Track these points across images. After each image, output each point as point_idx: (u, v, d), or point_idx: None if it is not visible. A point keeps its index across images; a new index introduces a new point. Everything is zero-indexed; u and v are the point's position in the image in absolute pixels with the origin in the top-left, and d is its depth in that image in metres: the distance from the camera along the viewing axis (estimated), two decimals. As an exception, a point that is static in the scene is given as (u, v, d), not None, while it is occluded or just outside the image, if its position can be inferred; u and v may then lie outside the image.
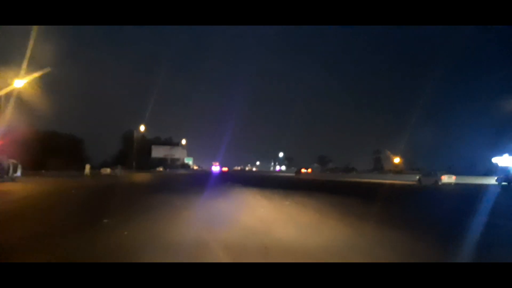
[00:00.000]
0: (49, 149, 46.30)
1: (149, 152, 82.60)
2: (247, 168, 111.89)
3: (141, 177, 30.03)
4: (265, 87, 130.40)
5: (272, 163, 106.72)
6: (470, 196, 15.70)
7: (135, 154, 48.16)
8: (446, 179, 27.93)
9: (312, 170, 70.45)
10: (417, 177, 31.43)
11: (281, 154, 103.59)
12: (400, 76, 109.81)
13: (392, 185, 24.84)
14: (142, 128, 51.44)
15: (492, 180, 29.41)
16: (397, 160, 63.82)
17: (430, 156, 67.74)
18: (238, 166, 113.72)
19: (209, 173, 46.80)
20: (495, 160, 40.64)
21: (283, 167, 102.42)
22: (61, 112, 57.29)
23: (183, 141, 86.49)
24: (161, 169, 63.66)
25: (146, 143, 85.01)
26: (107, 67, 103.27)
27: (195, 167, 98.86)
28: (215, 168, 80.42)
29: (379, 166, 65.88)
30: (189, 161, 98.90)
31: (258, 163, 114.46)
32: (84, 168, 35.41)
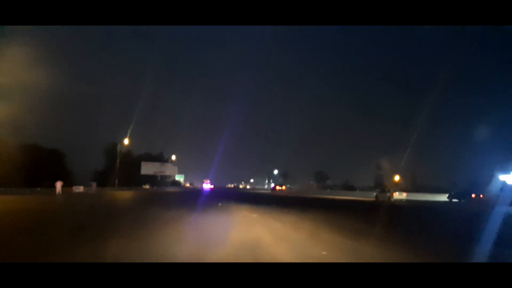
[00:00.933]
0: (26, 163, 43.07)
1: (138, 168, 79.36)
2: (241, 186, 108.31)
3: (120, 195, 26.92)
4: (259, 101, 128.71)
5: (267, 181, 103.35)
6: (403, 208, 20.02)
7: (117, 170, 44.72)
8: (397, 195, 32.91)
9: (287, 187, 73.58)
10: (375, 194, 34.95)
11: (275, 171, 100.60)
12: (406, 81, 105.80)
13: (352, 201, 28.25)
14: (126, 141, 47.75)
15: (444, 197, 32.71)
16: (397, 178, 61.36)
17: (445, 170, 64.74)
18: (231, 183, 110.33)
19: (200, 191, 43.75)
20: (503, 178, 37.88)
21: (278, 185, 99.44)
22: (45, 124, 54.03)
23: (173, 157, 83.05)
24: (147, 186, 59.50)
25: (136, 159, 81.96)
26: (95, 78, 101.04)
27: (187, 185, 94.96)
28: (206, 186, 78.46)
29: (380, 183, 62.98)
30: (180, 178, 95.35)
31: (252, 180, 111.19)
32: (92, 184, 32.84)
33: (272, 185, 69.26)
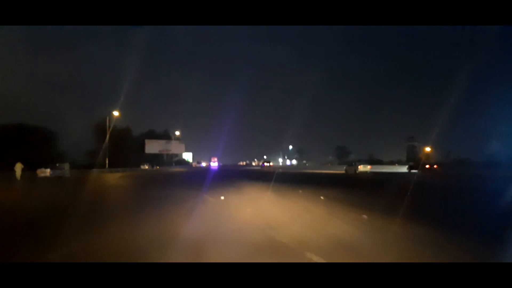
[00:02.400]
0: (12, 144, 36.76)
1: (142, 147, 72.81)
2: (254, 164, 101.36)
3: (98, 181, 19.82)
4: (270, 74, 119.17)
5: (281, 158, 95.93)
6: (365, 178, 22.69)
7: (107, 148, 37.79)
8: (362, 168, 35.22)
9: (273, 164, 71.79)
10: (344, 167, 38.34)
11: (290, 147, 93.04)
12: (443, 48, 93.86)
13: (325, 174, 29.98)
14: (115, 113, 39.90)
15: (404, 168, 37.44)
16: (428, 149, 53.67)
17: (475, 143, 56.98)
18: (243, 161, 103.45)
19: (207, 171, 36.91)
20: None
21: (294, 161, 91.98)
22: (38, 103, 47.40)
23: (177, 133, 75.76)
24: (146, 166, 51.47)
25: (138, 138, 75.40)
26: (96, 58, 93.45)
27: (194, 164, 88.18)
28: (214, 164, 73.23)
29: (414, 156, 54.87)
30: (188, 156, 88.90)
31: (265, 157, 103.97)
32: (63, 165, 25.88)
33: (262, 163, 66.50)
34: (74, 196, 11.51)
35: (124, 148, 52.41)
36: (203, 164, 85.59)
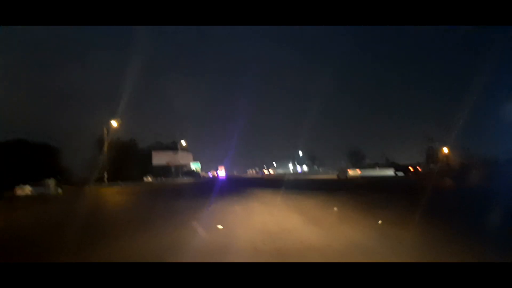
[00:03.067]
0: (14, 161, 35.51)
1: (148, 159, 71.46)
2: (265, 172, 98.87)
3: (85, 201, 17.92)
4: (279, 78, 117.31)
5: (291, 164, 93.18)
6: (350, 182, 25.52)
7: (105, 161, 36.06)
8: (352, 173, 38.78)
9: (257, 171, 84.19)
10: (336, 172, 41.58)
11: (300, 153, 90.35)
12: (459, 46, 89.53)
13: (317, 179, 32.90)
14: (114, 123, 38.09)
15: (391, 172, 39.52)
16: (445, 150, 50.57)
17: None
18: (252, 169, 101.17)
19: (215, 182, 35.56)
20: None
21: (305, 168, 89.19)
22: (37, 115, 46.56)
23: (183, 143, 74.12)
24: (149, 179, 48.77)
25: (145, 150, 74.22)
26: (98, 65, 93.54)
27: (203, 174, 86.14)
28: (221, 172, 73.82)
29: (433, 158, 51.53)
30: (196, 166, 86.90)
31: (274, 164, 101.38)
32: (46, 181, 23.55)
33: (261, 171, 69.74)
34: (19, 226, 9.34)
35: (129, 161, 50.84)
36: (211, 174, 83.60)
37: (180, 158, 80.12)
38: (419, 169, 37.58)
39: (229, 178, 48.02)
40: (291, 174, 68.62)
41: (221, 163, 76.84)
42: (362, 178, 34.78)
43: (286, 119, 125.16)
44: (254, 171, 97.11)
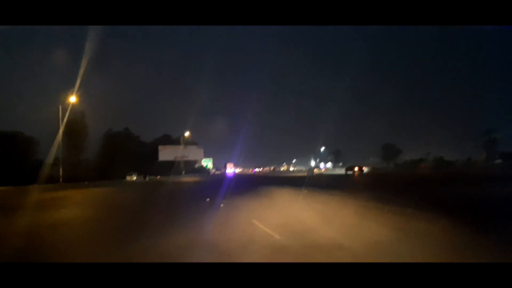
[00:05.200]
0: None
1: (155, 155, 64.77)
2: (282, 168, 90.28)
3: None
4: (296, 65, 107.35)
5: (313, 161, 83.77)
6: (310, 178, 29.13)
7: (60, 157, 27.69)
8: (317, 171, 55.21)
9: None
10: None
11: (322, 149, 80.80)
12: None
13: (294, 176, 39.52)
14: (73, 99, 28.96)
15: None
16: None
17: None
18: (270, 166, 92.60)
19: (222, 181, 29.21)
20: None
21: (329, 164, 79.64)
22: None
23: (187, 134, 66.69)
24: (133, 177, 38.48)
25: (151, 145, 67.81)
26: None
27: (213, 171, 78.52)
28: (229, 170, 68.04)
29: (495, 151, 41.50)
30: (207, 162, 79.55)
31: (294, 161, 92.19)
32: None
33: (325, 165, 70.76)
34: None
35: (124, 156, 43.56)
36: (222, 170, 76.08)
37: (190, 153, 73.32)
38: (363, 169, 45.82)
39: (237, 177, 42.16)
40: (301, 171, 67.01)
41: (237, 160, 71.46)
42: (322, 175, 43.29)
43: (310, 113, 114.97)
44: (270, 168, 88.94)
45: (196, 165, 77.47)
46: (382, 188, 16.54)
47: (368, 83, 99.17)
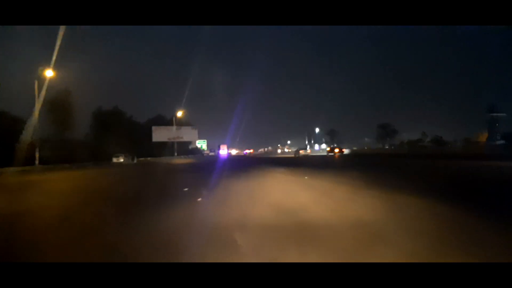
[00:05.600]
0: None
1: (148, 136, 63.53)
2: (279, 150, 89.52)
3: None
4: (295, 47, 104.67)
5: (307, 142, 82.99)
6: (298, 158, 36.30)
7: (37, 137, 25.77)
8: (303, 152, 53.24)
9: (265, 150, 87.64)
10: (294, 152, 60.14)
11: (317, 130, 79.95)
12: None
13: (283, 157, 42.22)
14: (49, 73, 26.81)
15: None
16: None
17: None
18: (265, 147, 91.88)
19: (214, 163, 28.93)
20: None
21: (323, 146, 79.04)
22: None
23: (179, 113, 65.28)
24: (121, 159, 35.76)
25: (145, 126, 66.44)
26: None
27: (207, 152, 77.68)
28: (223, 151, 68.02)
29: (496, 129, 40.74)
30: (202, 144, 78.70)
31: (289, 142, 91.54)
32: None
33: (320, 146, 73.07)
34: None
35: (112, 136, 42.32)
36: (216, 152, 75.39)
37: (184, 134, 72.21)
38: (343, 151, 51.77)
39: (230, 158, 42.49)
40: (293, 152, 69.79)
41: (232, 141, 71.01)
42: (308, 156, 45.55)
43: (305, 93, 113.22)
44: (264, 150, 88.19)
45: (190, 146, 76.67)
46: (348, 166, 19.25)
47: (366, 64, 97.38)
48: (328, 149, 55.52)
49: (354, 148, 63.81)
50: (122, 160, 34.73)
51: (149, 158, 47.04)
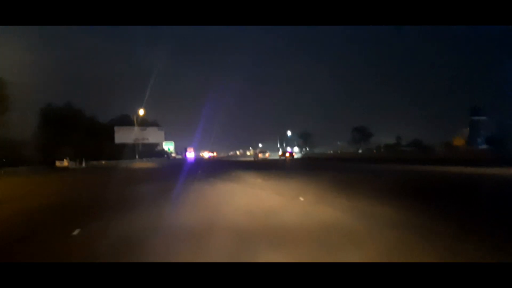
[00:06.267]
0: None
1: (110, 137, 58.55)
2: (248, 153, 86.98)
3: None
4: (268, 53, 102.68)
5: (279, 145, 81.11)
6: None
7: None
8: (261, 156, 53.90)
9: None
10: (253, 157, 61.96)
11: (289, 133, 78.10)
12: None
13: (243, 160, 47.17)
14: None
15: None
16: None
17: None
18: (235, 151, 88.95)
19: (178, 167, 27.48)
20: None
21: (296, 149, 77.35)
22: None
23: (141, 112, 61.00)
24: (65, 163, 30.84)
25: (107, 127, 61.48)
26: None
27: (174, 155, 73.72)
28: (190, 154, 65.13)
29: (479, 134, 40.48)
30: (169, 146, 74.42)
31: (260, 145, 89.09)
32: None
33: (292, 150, 67.76)
34: None
35: (63, 137, 37.60)
36: (183, 155, 71.75)
37: (149, 135, 67.81)
38: (293, 155, 54.94)
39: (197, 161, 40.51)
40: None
41: (191, 145, 68.07)
42: (266, 160, 46.22)
43: (278, 96, 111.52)
44: (229, 153, 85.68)
45: (157, 149, 72.33)
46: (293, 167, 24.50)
47: (344, 66, 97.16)
48: (280, 153, 59.43)
49: (330, 152, 63.25)
50: (66, 164, 29.74)
51: (103, 162, 42.34)
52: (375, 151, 52.83)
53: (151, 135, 66.66)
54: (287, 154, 53.61)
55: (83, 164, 33.90)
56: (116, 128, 61.58)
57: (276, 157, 55.08)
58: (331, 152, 64.53)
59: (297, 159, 46.77)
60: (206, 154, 74.06)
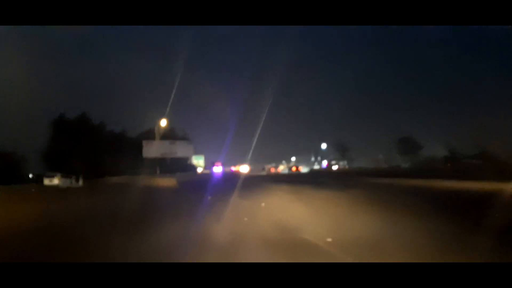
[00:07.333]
0: None
1: (137, 151, 57.84)
2: (281, 167, 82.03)
3: None
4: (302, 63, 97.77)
5: (313, 158, 75.05)
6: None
7: None
8: (273, 170, 64.48)
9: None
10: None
11: (323, 146, 71.82)
12: None
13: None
14: None
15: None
16: None
17: None
18: (270, 164, 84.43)
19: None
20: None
21: (333, 162, 71.04)
22: None
23: (163, 123, 58.86)
24: (56, 181, 26.34)
25: (136, 140, 61.15)
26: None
27: (201, 171, 70.82)
28: (217, 169, 61.66)
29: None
30: (199, 160, 72.13)
31: (293, 159, 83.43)
32: None
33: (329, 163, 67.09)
34: None
35: (80, 150, 36.38)
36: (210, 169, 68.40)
37: (178, 149, 66.25)
38: (299, 169, 60.94)
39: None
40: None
41: (218, 159, 64.05)
42: (279, 174, 51.33)
43: (314, 106, 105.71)
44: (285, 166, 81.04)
45: (187, 162, 70.51)
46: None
47: (382, 71, 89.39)
48: (288, 167, 67.42)
49: (363, 167, 57.16)
50: (56, 182, 25.73)
51: (114, 178, 39.54)
52: (448, 164, 42.24)
53: (180, 149, 65.03)
54: (294, 168, 62.36)
55: (80, 183, 29.07)
56: (144, 142, 60.74)
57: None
58: (375, 166, 56.87)
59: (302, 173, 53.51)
60: (244, 168, 68.42)
